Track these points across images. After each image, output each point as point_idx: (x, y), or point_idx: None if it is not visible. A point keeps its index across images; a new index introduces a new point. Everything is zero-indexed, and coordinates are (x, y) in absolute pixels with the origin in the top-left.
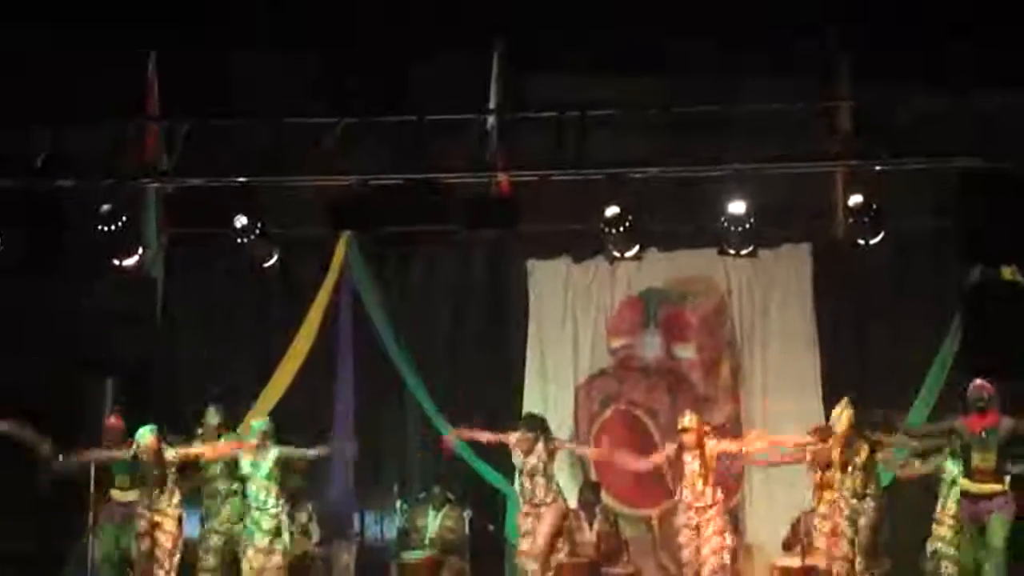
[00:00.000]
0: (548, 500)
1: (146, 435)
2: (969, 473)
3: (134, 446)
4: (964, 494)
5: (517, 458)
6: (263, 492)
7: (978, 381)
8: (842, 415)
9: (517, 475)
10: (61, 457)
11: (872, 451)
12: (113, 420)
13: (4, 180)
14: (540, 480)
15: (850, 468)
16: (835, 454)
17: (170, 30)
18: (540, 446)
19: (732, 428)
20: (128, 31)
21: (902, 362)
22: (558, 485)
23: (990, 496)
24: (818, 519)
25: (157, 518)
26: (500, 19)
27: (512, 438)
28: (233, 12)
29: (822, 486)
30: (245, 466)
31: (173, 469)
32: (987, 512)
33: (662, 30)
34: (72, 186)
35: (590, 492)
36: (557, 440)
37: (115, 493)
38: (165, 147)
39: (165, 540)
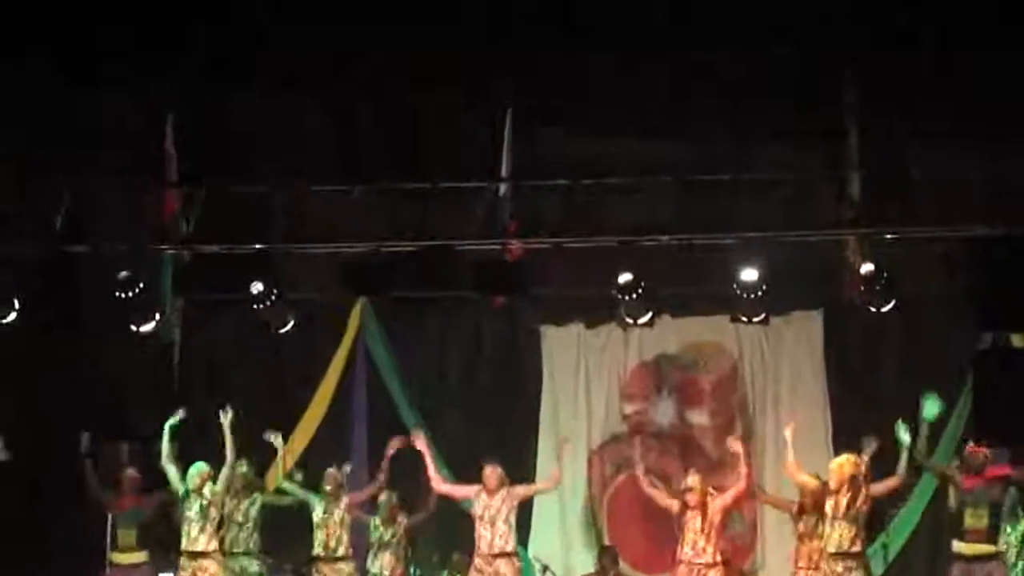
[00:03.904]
0: (508, 549)
1: (203, 468)
2: (961, 534)
3: (190, 478)
4: (957, 556)
5: (478, 503)
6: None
7: (972, 445)
8: (844, 460)
9: (477, 524)
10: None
11: (869, 507)
12: (131, 472)
13: (22, 245)
14: (501, 527)
15: (839, 518)
16: (829, 502)
17: (188, 94)
18: (505, 490)
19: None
20: (145, 95)
21: (915, 428)
22: (518, 542)
23: (984, 558)
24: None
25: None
26: (513, 83)
27: (474, 488)
28: (249, 78)
29: (802, 537)
30: None
31: (214, 509)
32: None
33: (675, 96)
34: (90, 251)
35: (608, 558)
36: (518, 487)
37: (117, 557)
38: (182, 213)
39: None
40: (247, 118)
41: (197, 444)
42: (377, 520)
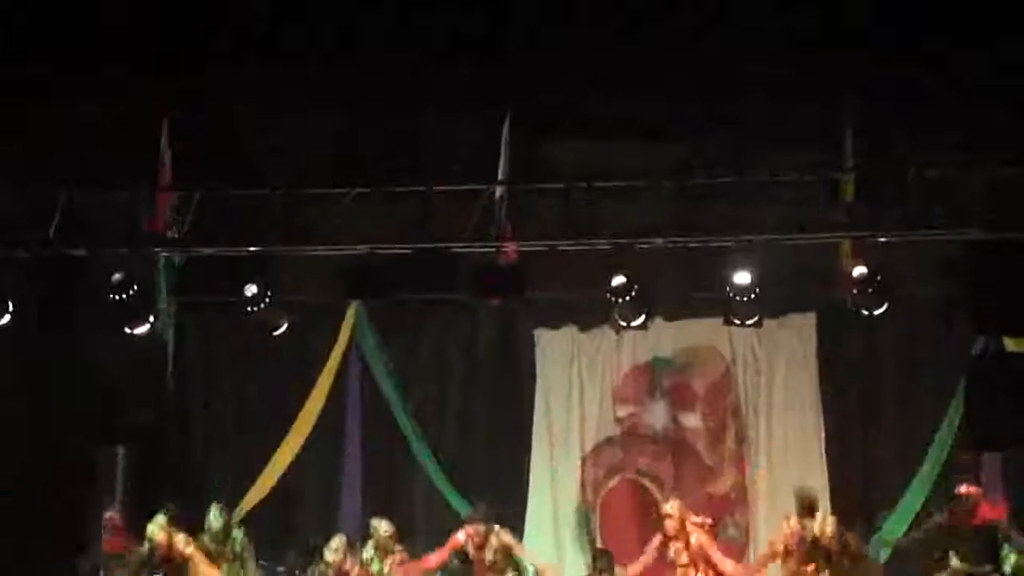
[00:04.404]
0: None
1: (157, 532)
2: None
3: (146, 543)
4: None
5: (470, 549)
6: None
7: (963, 488)
8: (826, 523)
9: (476, 567)
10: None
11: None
12: (111, 514)
13: (17, 248)
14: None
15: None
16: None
17: (183, 97)
18: (493, 539)
19: (737, 497)
20: (141, 98)
21: (907, 431)
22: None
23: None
24: None
25: None
26: (511, 86)
27: (461, 536)
28: (246, 80)
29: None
30: None
31: (189, 563)
32: None
33: (671, 98)
34: (84, 254)
35: (603, 562)
36: (507, 538)
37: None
38: (177, 215)
39: None
40: (245, 119)
41: (193, 445)
42: (371, 549)
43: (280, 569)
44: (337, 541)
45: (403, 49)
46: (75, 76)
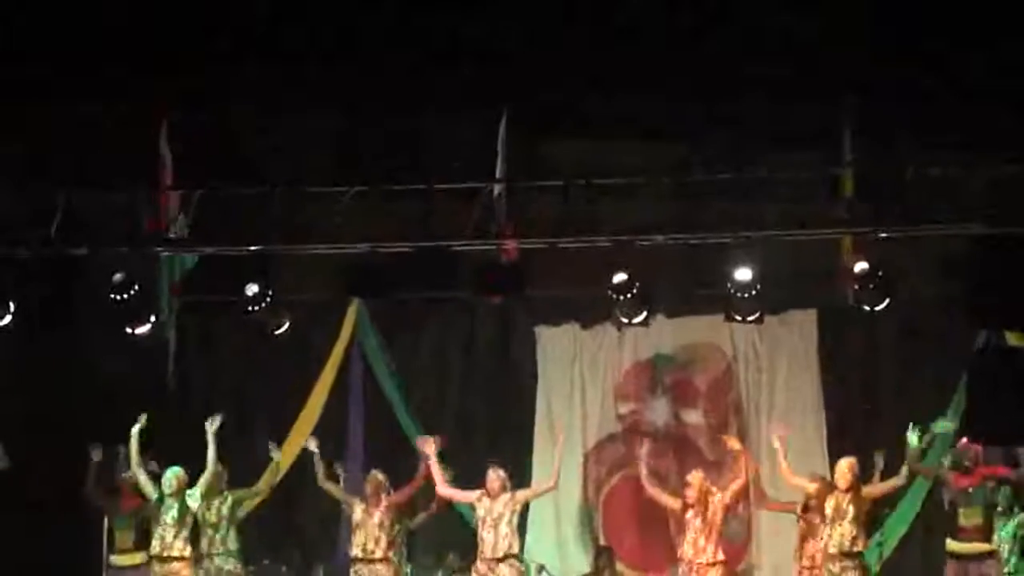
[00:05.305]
0: (511, 552)
1: (178, 470)
2: (955, 532)
3: (166, 481)
4: (951, 555)
5: (480, 507)
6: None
7: (964, 440)
8: (853, 461)
9: (479, 527)
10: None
11: (869, 507)
12: (127, 475)
13: (18, 248)
14: (504, 529)
15: (839, 520)
16: (831, 502)
17: (183, 97)
18: (507, 494)
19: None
20: (141, 98)
21: (909, 426)
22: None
23: (978, 557)
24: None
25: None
26: (511, 85)
27: (475, 493)
28: (245, 80)
29: (805, 536)
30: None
31: (190, 515)
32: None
33: (671, 98)
34: (85, 254)
35: (604, 559)
36: (520, 492)
37: (116, 559)
38: (178, 215)
39: None
40: (245, 119)
41: (193, 445)
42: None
43: (283, 569)
44: (375, 472)
45: (403, 49)
46: (75, 76)
